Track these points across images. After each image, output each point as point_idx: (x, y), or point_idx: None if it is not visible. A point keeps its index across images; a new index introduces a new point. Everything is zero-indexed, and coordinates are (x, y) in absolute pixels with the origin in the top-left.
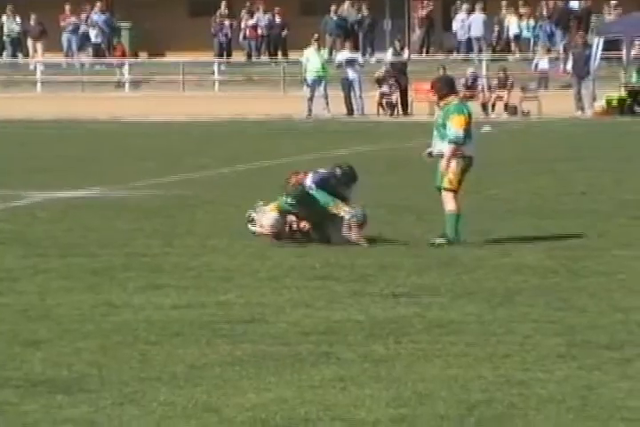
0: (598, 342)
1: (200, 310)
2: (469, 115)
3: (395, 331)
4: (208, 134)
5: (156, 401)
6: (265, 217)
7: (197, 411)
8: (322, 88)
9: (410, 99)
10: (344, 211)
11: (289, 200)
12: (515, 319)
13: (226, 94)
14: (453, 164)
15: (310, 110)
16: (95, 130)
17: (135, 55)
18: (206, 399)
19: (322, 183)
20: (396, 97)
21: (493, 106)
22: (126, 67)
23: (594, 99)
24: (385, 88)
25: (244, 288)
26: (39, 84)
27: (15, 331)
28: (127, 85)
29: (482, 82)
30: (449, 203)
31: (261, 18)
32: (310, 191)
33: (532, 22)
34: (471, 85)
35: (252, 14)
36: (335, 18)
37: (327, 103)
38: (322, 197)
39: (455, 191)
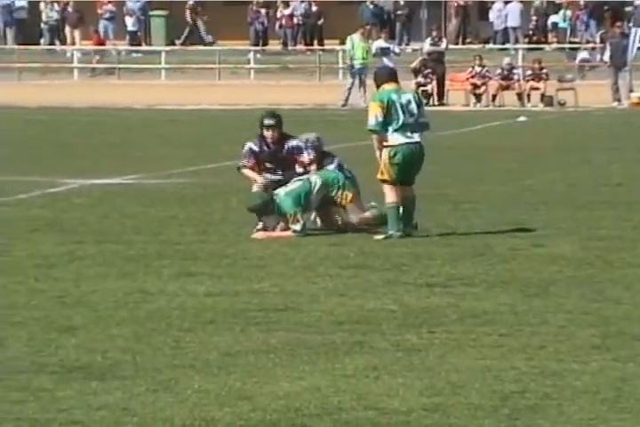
0: (633, 333)
1: (234, 297)
2: (390, 102)
3: (428, 320)
4: (243, 123)
5: (189, 388)
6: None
7: (231, 399)
8: (363, 76)
9: (446, 88)
10: None
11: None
12: (549, 310)
13: (261, 83)
14: (382, 154)
15: (347, 99)
16: (131, 118)
17: (171, 43)
18: (240, 387)
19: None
20: (431, 87)
21: (529, 96)
22: (163, 55)
23: (631, 90)
24: (420, 78)
25: (277, 276)
26: (76, 72)
27: (50, 317)
28: (163, 74)
29: (518, 72)
30: (386, 195)
31: (298, 6)
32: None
33: (568, 13)
34: (507, 76)
35: (287, 3)
36: (371, 6)
37: (365, 92)
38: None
39: (388, 182)
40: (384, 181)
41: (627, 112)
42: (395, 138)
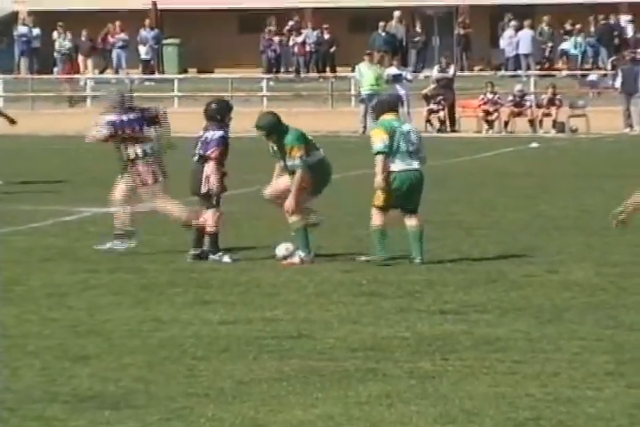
0: None
1: (247, 325)
2: (392, 129)
3: (441, 348)
4: (255, 151)
5: (203, 417)
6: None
7: None
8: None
9: (457, 115)
10: None
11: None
12: (563, 337)
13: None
14: (380, 179)
15: (365, 127)
16: None
17: (184, 71)
18: (253, 416)
19: None
20: (443, 113)
21: (541, 122)
22: (175, 83)
23: None
24: (433, 105)
25: (290, 304)
26: (89, 100)
27: (64, 346)
28: (176, 101)
29: (530, 99)
30: (373, 218)
31: (310, 34)
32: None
33: (579, 39)
34: (519, 102)
35: (300, 31)
36: (383, 34)
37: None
38: None
39: (380, 207)
40: (376, 206)
41: (639, 138)
42: (394, 164)
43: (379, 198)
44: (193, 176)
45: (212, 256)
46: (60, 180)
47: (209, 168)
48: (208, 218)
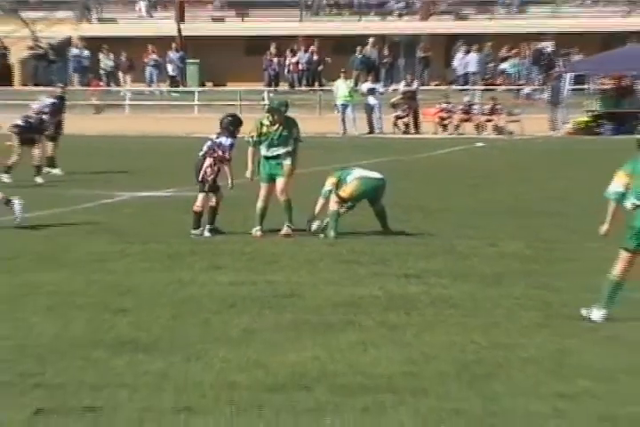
0: (569, 315)
1: (251, 286)
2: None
3: (406, 304)
4: None
5: (215, 358)
6: None
7: (249, 366)
8: (349, 111)
9: (420, 120)
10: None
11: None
12: (501, 296)
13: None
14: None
15: (345, 129)
16: (171, 143)
17: (202, 85)
18: (256, 357)
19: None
20: (408, 119)
21: (485, 126)
22: (196, 94)
23: (565, 121)
24: (399, 112)
25: (286, 270)
26: (127, 108)
27: (106, 302)
28: (196, 109)
29: (476, 108)
30: (331, 204)
31: (302, 56)
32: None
33: (515, 61)
34: (467, 111)
35: (294, 53)
36: (360, 56)
37: (354, 123)
38: None
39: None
40: (340, 197)
41: (561, 139)
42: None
43: (345, 192)
44: (196, 167)
45: (192, 231)
46: (102, 171)
47: (227, 168)
48: (198, 199)
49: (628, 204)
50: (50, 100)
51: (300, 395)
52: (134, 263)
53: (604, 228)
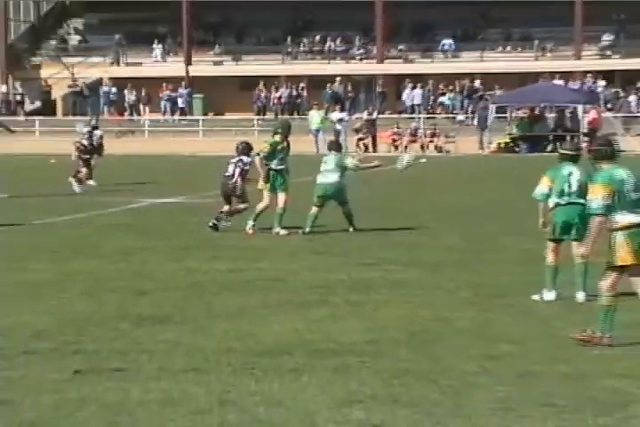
0: (494, 294)
1: (245, 272)
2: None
3: (367, 286)
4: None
5: (216, 329)
6: None
7: (243, 336)
8: (321, 135)
9: (377, 142)
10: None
11: None
12: (441, 280)
13: (261, 139)
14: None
15: (318, 149)
16: (182, 160)
17: (205, 114)
18: (248, 329)
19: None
20: (368, 141)
21: (427, 146)
22: (200, 122)
23: (490, 142)
24: (361, 135)
25: (272, 259)
26: (146, 133)
27: (129, 285)
28: (201, 133)
29: (420, 132)
30: (312, 210)
31: (284, 91)
32: None
33: (451, 95)
34: (414, 134)
35: (277, 89)
36: (330, 91)
37: (325, 144)
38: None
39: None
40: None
41: (488, 157)
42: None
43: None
44: (223, 186)
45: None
46: (127, 182)
47: (258, 163)
48: (240, 206)
49: (551, 203)
50: (94, 131)
51: (284, 358)
52: (152, 255)
53: (540, 221)
